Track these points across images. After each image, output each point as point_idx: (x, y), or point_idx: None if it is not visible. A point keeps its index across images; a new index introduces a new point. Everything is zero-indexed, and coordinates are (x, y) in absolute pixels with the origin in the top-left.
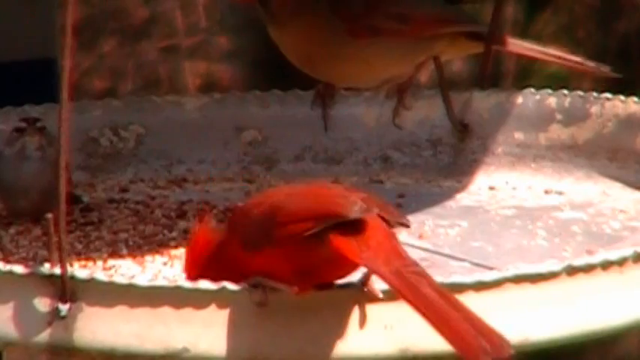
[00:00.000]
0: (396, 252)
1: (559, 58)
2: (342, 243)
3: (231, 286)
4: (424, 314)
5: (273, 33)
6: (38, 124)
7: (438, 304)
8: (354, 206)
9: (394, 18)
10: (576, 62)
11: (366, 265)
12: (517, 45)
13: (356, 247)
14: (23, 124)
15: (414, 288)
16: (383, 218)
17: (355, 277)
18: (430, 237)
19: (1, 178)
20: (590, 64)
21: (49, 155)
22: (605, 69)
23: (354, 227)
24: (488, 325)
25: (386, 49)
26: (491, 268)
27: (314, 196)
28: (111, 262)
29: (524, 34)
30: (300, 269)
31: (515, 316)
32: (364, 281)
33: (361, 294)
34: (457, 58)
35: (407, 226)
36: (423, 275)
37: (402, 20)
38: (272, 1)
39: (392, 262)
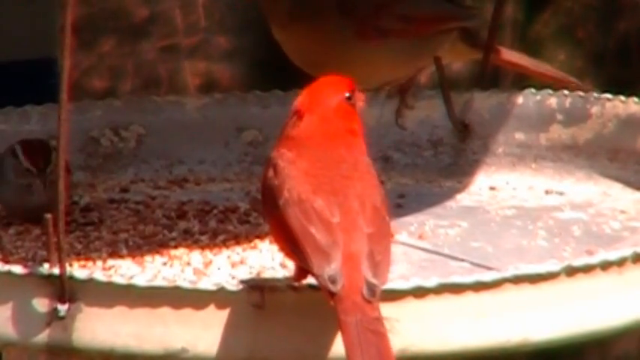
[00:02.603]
0: (365, 301)
1: (546, 71)
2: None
3: (230, 286)
4: None
5: (277, 35)
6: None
7: None
8: (330, 265)
9: (399, 18)
10: (561, 78)
11: (334, 306)
12: (510, 54)
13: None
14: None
15: (359, 349)
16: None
17: None
18: (430, 237)
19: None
20: (573, 79)
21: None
22: (587, 86)
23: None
24: None
25: (392, 50)
26: (490, 269)
27: (319, 222)
28: (110, 262)
29: (524, 34)
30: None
31: (515, 317)
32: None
33: None
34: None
35: (373, 292)
36: (379, 337)
37: (406, 20)
38: (277, 3)
39: (355, 314)
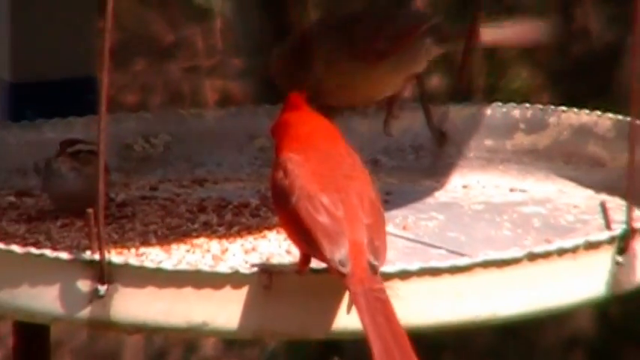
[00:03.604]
0: (370, 277)
1: (516, 39)
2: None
3: (243, 270)
4: (368, 334)
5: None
6: (70, 150)
7: (381, 330)
8: (340, 251)
9: (390, 38)
10: (529, 33)
11: (344, 283)
12: (488, 33)
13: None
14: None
15: (369, 314)
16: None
17: None
18: (412, 228)
19: (49, 186)
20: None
21: (84, 173)
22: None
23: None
24: (410, 351)
25: (388, 66)
26: (464, 255)
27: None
28: (142, 249)
29: (492, 56)
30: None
31: (485, 296)
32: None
33: None
34: (435, 73)
35: (375, 270)
36: (384, 303)
37: (396, 37)
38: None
39: (363, 285)
